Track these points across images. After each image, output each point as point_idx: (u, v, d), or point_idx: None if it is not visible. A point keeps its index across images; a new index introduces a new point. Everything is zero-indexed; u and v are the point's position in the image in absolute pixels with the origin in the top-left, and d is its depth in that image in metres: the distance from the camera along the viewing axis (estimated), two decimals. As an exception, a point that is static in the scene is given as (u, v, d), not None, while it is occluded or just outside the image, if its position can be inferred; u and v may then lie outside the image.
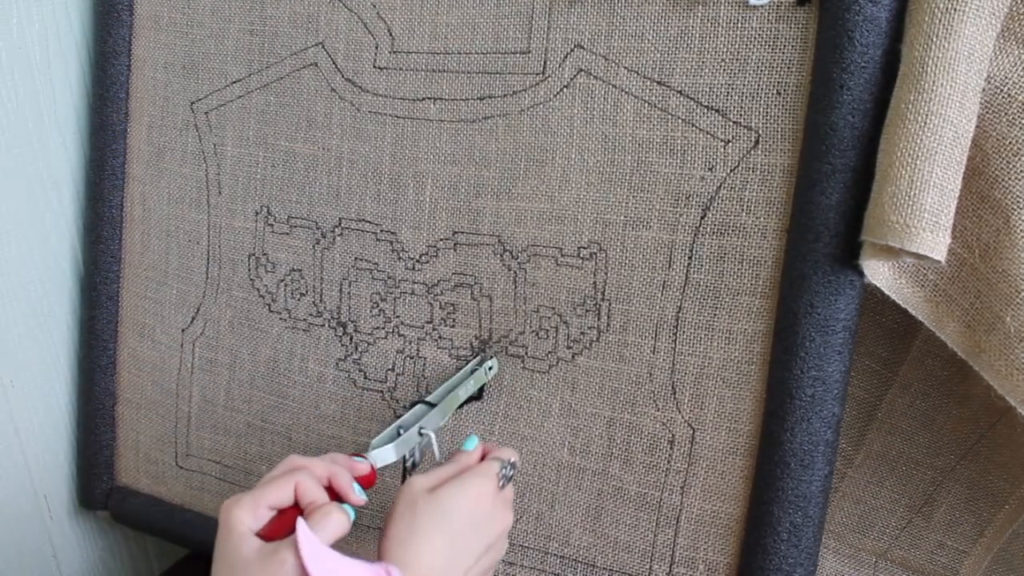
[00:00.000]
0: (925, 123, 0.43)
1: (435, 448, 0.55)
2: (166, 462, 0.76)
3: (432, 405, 0.57)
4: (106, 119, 0.73)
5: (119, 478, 0.79)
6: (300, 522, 0.42)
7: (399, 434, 0.54)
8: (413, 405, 0.57)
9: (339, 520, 0.44)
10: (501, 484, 0.51)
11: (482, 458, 0.53)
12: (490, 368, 0.60)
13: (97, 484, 0.78)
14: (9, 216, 0.71)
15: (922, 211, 0.44)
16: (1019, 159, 0.47)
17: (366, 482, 0.49)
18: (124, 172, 0.75)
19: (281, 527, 0.44)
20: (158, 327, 0.75)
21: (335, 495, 0.47)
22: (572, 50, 0.56)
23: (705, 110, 0.53)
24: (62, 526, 0.80)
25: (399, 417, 0.61)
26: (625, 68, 0.54)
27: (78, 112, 0.76)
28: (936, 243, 0.44)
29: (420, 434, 0.54)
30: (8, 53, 0.69)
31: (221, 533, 0.43)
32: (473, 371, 0.60)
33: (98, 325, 0.76)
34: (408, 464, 0.55)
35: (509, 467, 0.52)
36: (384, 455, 0.52)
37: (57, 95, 0.73)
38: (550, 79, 0.57)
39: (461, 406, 0.61)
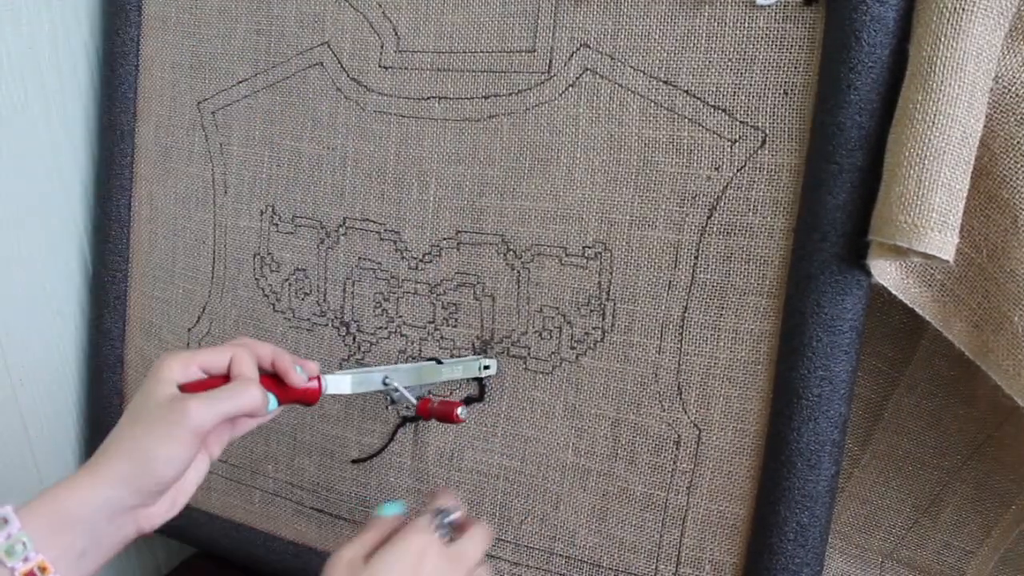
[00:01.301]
0: (933, 123, 0.43)
1: (407, 395, 0.55)
2: (173, 460, 0.76)
3: (439, 362, 0.59)
4: (114, 119, 0.74)
5: (126, 476, 0.79)
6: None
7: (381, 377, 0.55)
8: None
9: (254, 396, 0.44)
10: (440, 535, 0.45)
11: None
12: (486, 367, 0.60)
13: (105, 482, 0.79)
14: (18, 215, 0.72)
15: (930, 211, 0.43)
16: (1028, 159, 0.46)
17: (309, 395, 0.48)
18: (132, 171, 0.75)
19: (203, 388, 0.45)
20: (165, 326, 0.75)
21: (271, 384, 0.47)
22: (578, 49, 0.56)
23: (712, 109, 0.52)
24: (70, 524, 0.80)
25: (397, 411, 0.62)
26: (631, 67, 0.54)
27: (86, 112, 0.76)
28: (944, 243, 0.44)
29: (384, 383, 0.54)
30: (17, 53, 0.69)
31: (148, 376, 0.44)
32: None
33: (106, 324, 0.76)
34: (388, 400, 0.56)
35: (443, 516, 0.46)
36: (338, 382, 0.51)
37: (66, 95, 0.74)
38: (555, 78, 0.57)
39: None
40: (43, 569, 0.39)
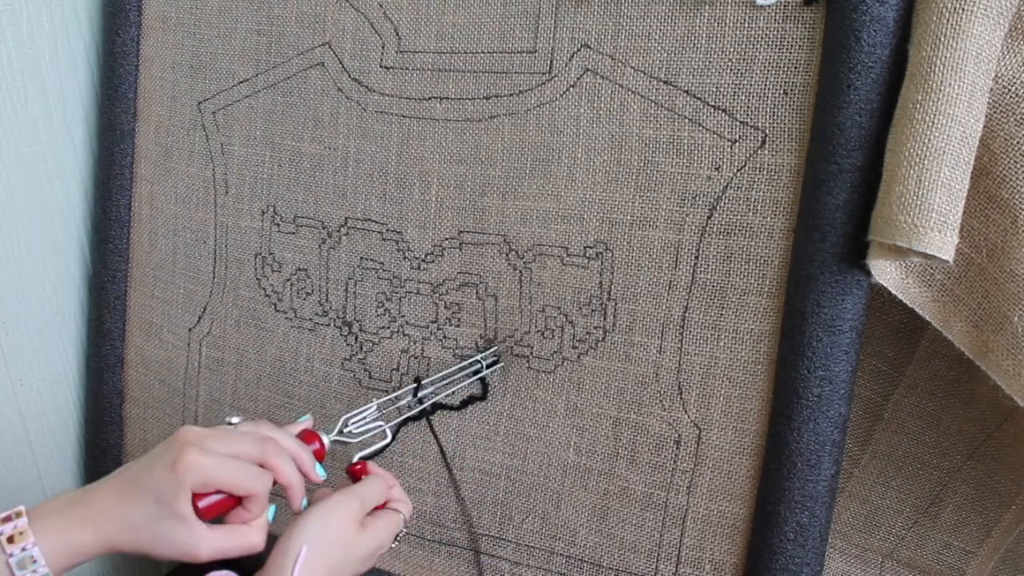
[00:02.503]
0: (933, 123, 0.43)
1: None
2: (173, 460, 0.76)
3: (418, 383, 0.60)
4: (114, 119, 0.74)
5: (126, 476, 0.79)
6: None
7: (376, 408, 0.57)
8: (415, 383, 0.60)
9: (255, 544, 0.47)
10: (395, 543, 0.53)
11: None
12: (492, 363, 0.60)
13: (105, 482, 0.79)
14: (18, 215, 0.72)
15: (930, 211, 0.43)
16: (1027, 159, 0.46)
17: (317, 456, 0.53)
18: (132, 172, 0.75)
19: (215, 510, 0.46)
20: (165, 326, 0.75)
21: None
22: (578, 49, 0.56)
23: (712, 110, 0.53)
24: (70, 524, 0.80)
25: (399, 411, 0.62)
26: (632, 68, 0.54)
27: (87, 112, 0.76)
28: (944, 243, 0.44)
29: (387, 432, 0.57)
30: (18, 53, 0.69)
31: (168, 464, 0.44)
32: (474, 369, 0.60)
33: (106, 324, 0.76)
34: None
35: (406, 528, 0.54)
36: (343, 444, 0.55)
37: (66, 95, 0.74)
38: (556, 78, 0.57)
39: (464, 405, 0.62)
40: None
